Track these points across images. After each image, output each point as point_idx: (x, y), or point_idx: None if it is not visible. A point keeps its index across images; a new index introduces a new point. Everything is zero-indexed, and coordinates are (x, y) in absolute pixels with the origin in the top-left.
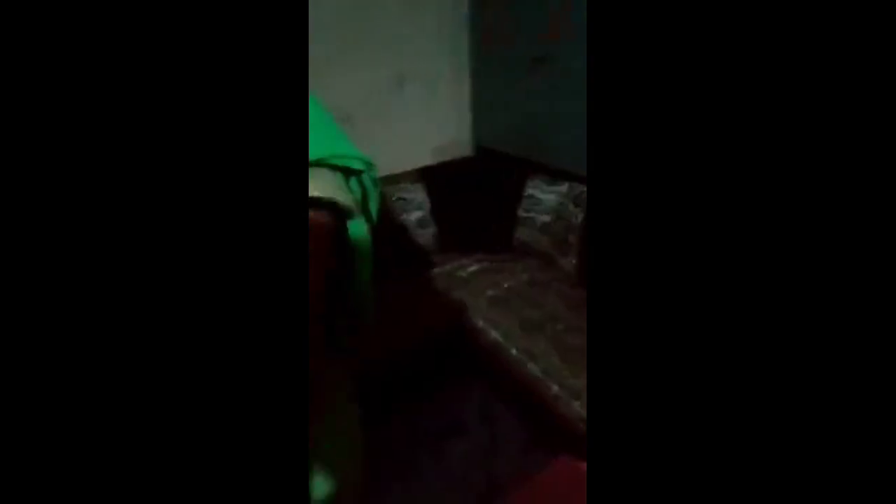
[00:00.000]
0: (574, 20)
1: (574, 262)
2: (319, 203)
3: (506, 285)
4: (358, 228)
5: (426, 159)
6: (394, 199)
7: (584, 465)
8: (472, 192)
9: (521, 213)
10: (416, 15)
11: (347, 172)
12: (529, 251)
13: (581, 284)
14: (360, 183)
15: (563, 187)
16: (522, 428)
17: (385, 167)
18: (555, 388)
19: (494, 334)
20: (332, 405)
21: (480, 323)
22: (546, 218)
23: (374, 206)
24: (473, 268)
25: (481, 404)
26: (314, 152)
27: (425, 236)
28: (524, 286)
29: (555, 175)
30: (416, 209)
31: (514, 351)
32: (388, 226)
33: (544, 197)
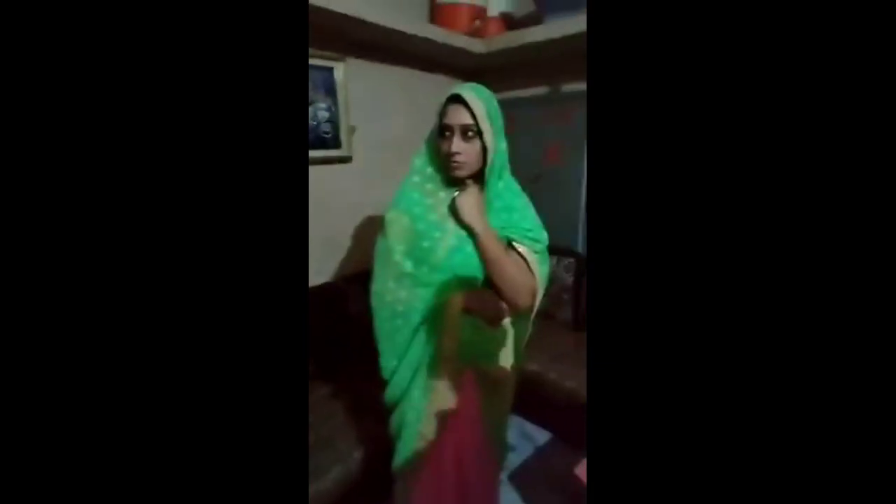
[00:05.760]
0: (564, 150)
1: (569, 313)
2: None
3: None
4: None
5: None
6: None
7: None
8: None
9: None
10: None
11: None
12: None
13: (576, 329)
14: None
15: (555, 260)
16: (556, 436)
17: None
18: None
19: (532, 366)
20: None
21: None
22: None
23: None
24: None
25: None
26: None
27: None
28: (535, 333)
29: (549, 251)
30: None
31: (552, 375)
32: None
33: None
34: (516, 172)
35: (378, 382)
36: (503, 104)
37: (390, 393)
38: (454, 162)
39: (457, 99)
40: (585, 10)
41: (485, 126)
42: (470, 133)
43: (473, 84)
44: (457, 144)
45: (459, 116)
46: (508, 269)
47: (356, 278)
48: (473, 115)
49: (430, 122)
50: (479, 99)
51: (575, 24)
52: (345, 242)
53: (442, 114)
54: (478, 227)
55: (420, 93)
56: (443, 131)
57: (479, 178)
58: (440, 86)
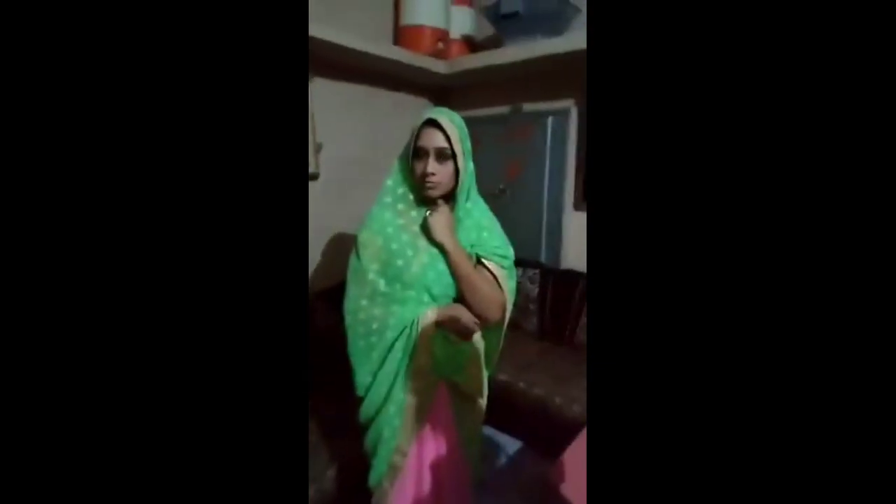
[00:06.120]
0: (526, 166)
1: (535, 322)
2: None
3: None
4: None
5: None
6: None
7: None
8: None
9: None
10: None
11: None
12: None
13: (541, 338)
14: None
15: (520, 271)
16: (526, 444)
17: None
18: (558, 399)
19: (501, 376)
20: None
21: None
22: None
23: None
24: None
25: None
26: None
27: None
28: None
29: (514, 264)
30: None
31: (520, 384)
32: None
33: None
34: (480, 188)
35: (348, 400)
36: (467, 122)
37: (365, 410)
38: (429, 183)
39: (432, 123)
40: (540, 35)
41: (458, 149)
42: (444, 155)
43: (445, 109)
44: (432, 166)
45: (435, 139)
46: (479, 285)
47: (324, 294)
48: (448, 139)
49: (396, 140)
50: (453, 123)
51: (532, 48)
52: (312, 259)
53: (416, 137)
54: (449, 244)
55: (386, 111)
56: (417, 153)
57: (448, 197)
58: (406, 105)
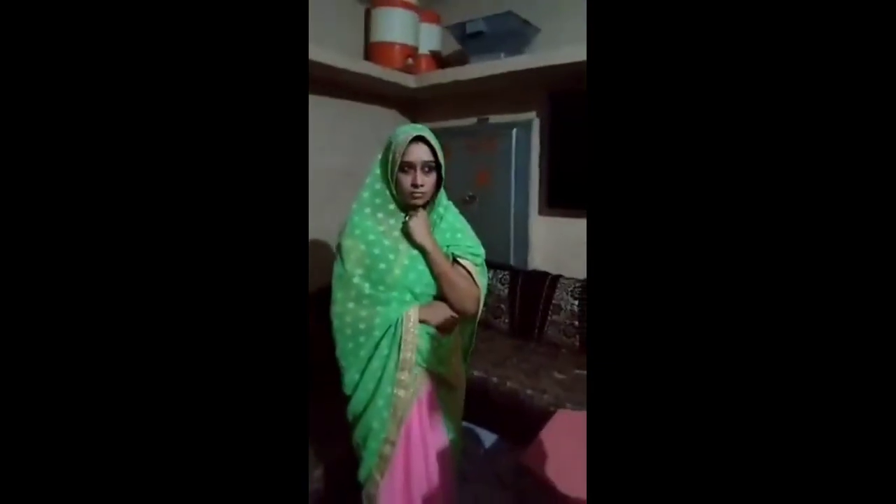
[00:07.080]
0: (493, 174)
1: (506, 321)
2: None
3: None
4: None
5: None
6: None
7: (579, 413)
8: None
9: None
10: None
11: None
12: None
13: (513, 336)
14: None
15: (491, 273)
16: (501, 437)
17: None
18: (529, 391)
19: (476, 372)
20: None
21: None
22: None
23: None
24: None
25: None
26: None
27: None
28: (476, 342)
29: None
30: None
31: (494, 379)
32: None
33: None
34: (450, 195)
35: (332, 401)
36: (436, 133)
37: (354, 406)
38: (417, 193)
39: (419, 139)
40: (504, 53)
41: (441, 161)
42: (428, 168)
43: (422, 126)
44: (420, 178)
45: (422, 154)
46: (456, 281)
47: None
48: (433, 152)
49: (369, 150)
50: (434, 139)
51: (497, 65)
52: None
53: (403, 152)
54: (429, 245)
55: (359, 123)
56: (403, 167)
57: (425, 204)
58: (378, 117)
